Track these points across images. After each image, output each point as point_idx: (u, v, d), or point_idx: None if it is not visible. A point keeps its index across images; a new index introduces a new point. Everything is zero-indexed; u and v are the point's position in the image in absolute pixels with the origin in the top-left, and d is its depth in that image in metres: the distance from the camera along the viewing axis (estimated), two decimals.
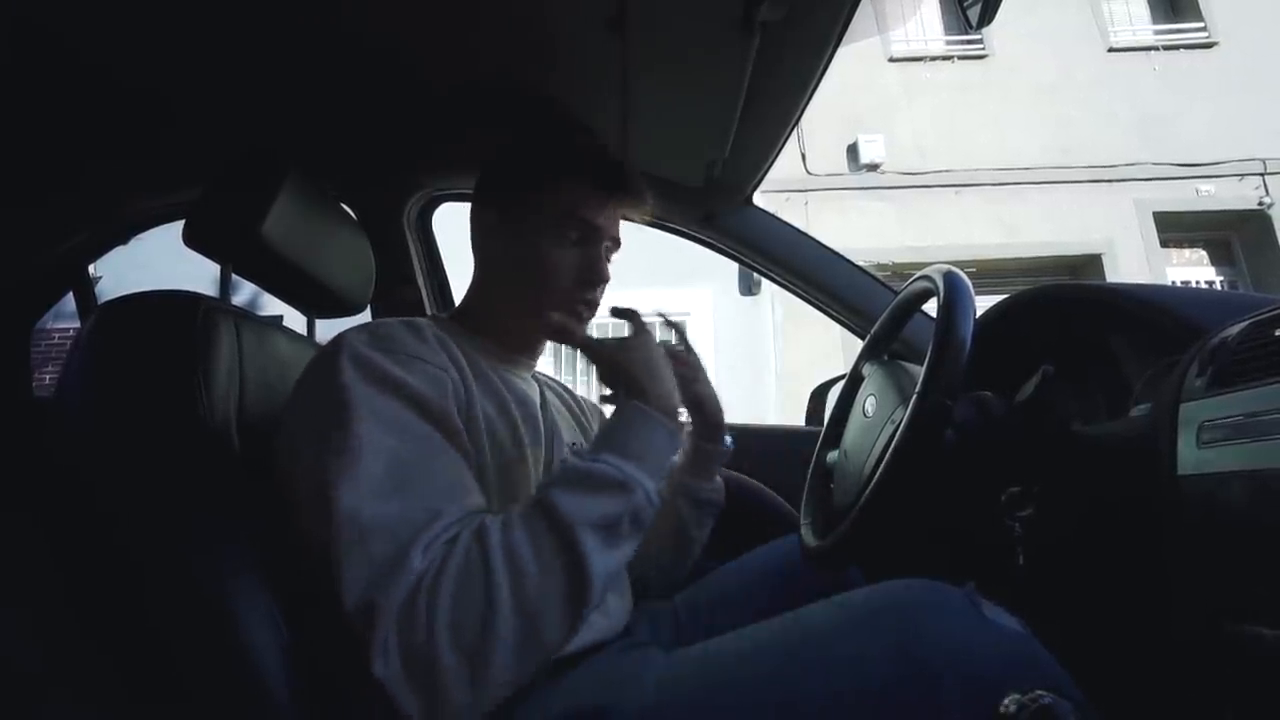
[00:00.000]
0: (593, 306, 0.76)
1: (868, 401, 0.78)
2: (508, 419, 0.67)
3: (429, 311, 1.34)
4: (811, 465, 0.88)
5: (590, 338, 0.70)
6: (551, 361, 4.89)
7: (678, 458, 0.85)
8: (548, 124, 0.97)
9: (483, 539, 0.50)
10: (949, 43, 5.85)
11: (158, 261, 2.07)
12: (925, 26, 5.82)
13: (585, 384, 5.16)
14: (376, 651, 0.46)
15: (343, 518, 0.49)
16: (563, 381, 0.95)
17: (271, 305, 0.98)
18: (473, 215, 0.80)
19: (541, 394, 0.80)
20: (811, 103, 0.95)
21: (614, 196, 0.76)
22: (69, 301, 1.39)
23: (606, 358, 0.67)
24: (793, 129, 1.03)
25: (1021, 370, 0.70)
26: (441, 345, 0.64)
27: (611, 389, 0.67)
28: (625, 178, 0.76)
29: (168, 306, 0.65)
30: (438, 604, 0.47)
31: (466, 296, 0.80)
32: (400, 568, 0.48)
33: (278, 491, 0.58)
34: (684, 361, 0.81)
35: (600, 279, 0.75)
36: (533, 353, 0.80)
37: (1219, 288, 5.35)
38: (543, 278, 0.73)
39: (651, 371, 0.65)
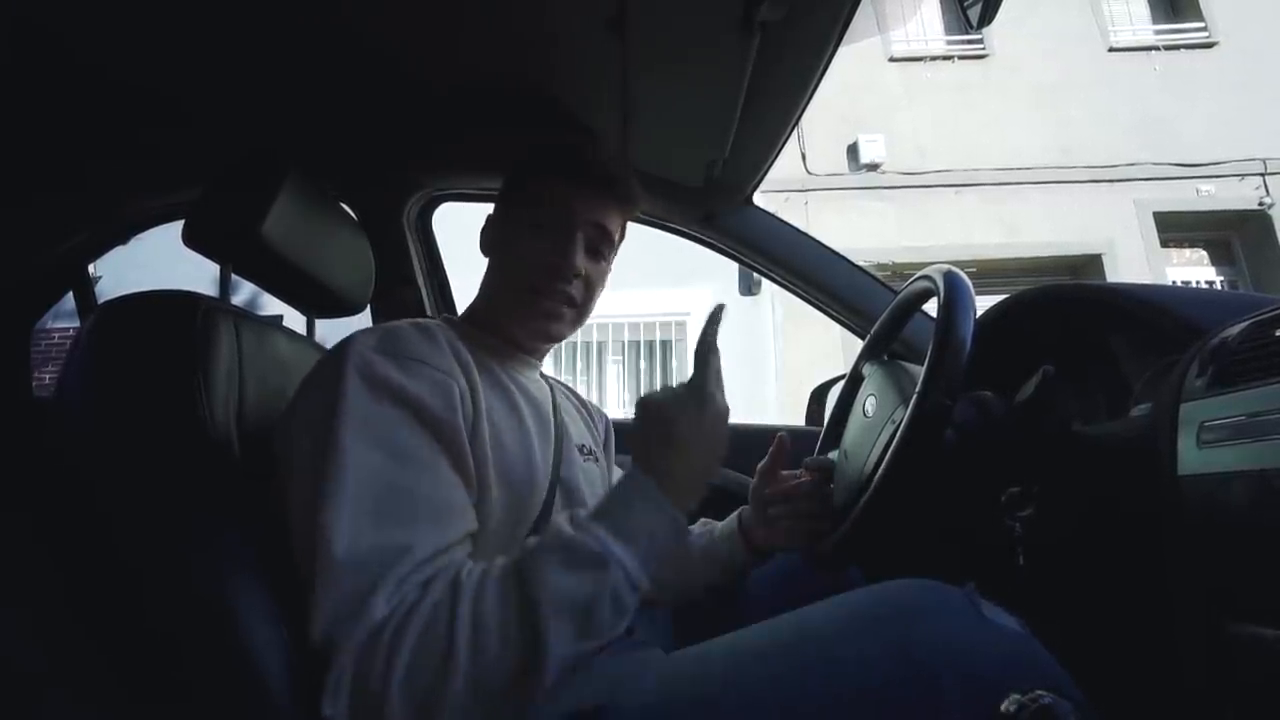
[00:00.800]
0: (569, 300, 0.74)
1: (868, 401, 0.78)
2: (517, 419, 0.67)
3: (429, 312, 1.34)
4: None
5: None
6: (551, 361, 4.90)
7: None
8: (533, 123, 0.98)
9: (453, 598, 0.49)
10: (949, 43, 5.85)
11: (158, 261, 2.07)
12: (925, 26, 5.82)
13: (585, 384, 5.16)
14: (328, 690, 0.46)
15: (320, 544, 0.49)
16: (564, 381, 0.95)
17: (271, 305, 0.98)
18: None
19: (552, 393, 0.80)
20: (811, 103, 0.95)
21: (593, 188, 0.74)
22: (69, 301, 1.39)
23: (653, 408, 0.61)
24: (793, 129, 1.03)
25: (1021, 370, 0.70)
26: (451, 348, 0.64)
27: (636, 443, 0.60)
28: (603, 168, 0.75)
29: (168, 306, 0.65)
30: (397, 656, 0.46)
31: (475, 299, 0.81)
32: (364, 608, 0.48)
33: (273, 495, 0.58)
34: None
35: (568, 268, 0.72)
36: (537, 351, 0.80)
37: (1219, 288, 5.35)
38: (516, 265, 0.74)
39: (691, 440, 0.59)
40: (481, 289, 0.79)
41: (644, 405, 0.62)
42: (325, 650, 0.48)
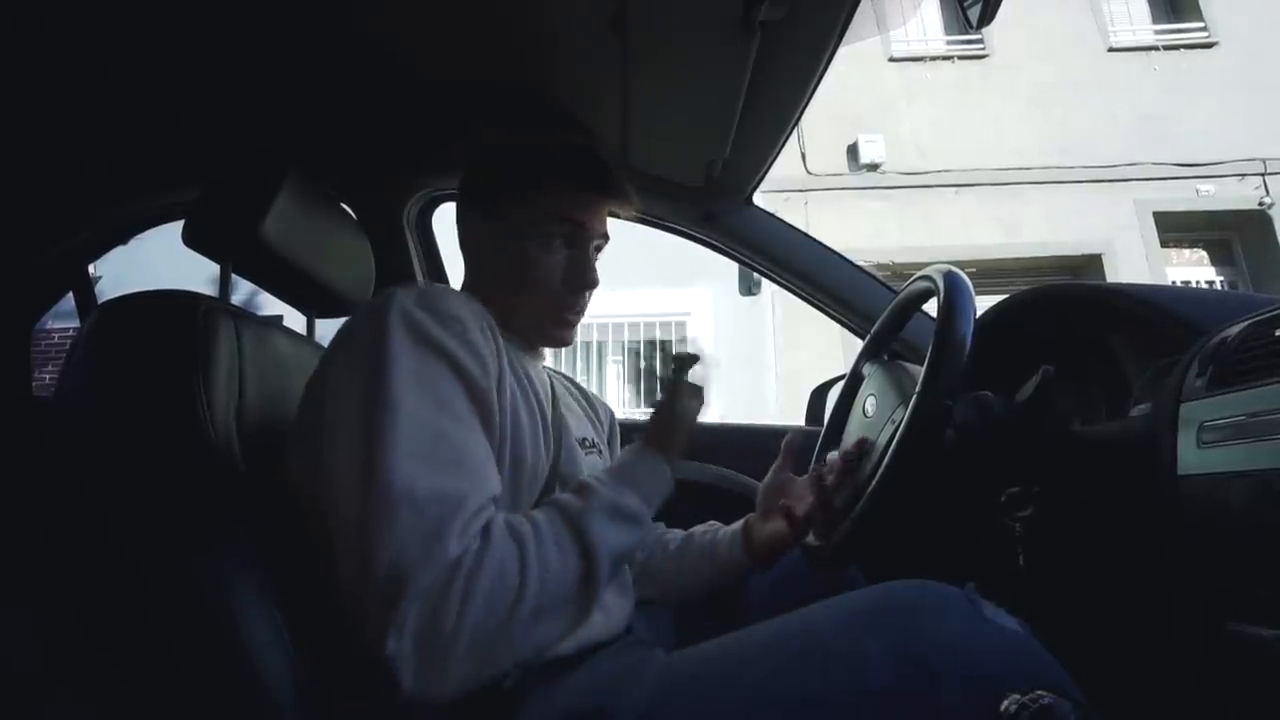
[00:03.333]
0: (582, 311, 0.76)
1: (868, 401, 0.78)
2: (529, 404, 0.67)
3: None
4: (811, 465, 0.88)
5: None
6: (551, 359, 4.89)
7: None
8: (533, 122, 0.97)
9: (520, 543, 0.53)
10: (949, 43, 5.85)
11: (158, 261, 2.07)
12: (925, 26, 5.82)
13: (584, 380, 5.16)
14: (392, 627, 0.47)
15: (378, 485, 0.50)
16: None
17: (271, 305, 0.98)
18: (459, 217, 0.78)
19: (551, 386, 0.80)
20: (811, 103, 0.95)
21: (600, 195, 0.75)
22: (69, 301, 1.39)
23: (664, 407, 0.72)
24: (793, 129, 1.03)
25: (1021, 370, 0.70)
26: (483, 317, 0.64)
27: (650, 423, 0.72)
28: (610, 175, 0.75)
29: (168, 306, 0.65)
30: (471, 599, 0.48)
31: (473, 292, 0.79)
32: (436, 548, 0.48)
33: (290, 465, 0.58)
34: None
35: (589, 283, 0.74)
36: (533, 349, 0.80)
37: (1219, 288, 5.35)
38: (531, 282, 0.72)
39: (680, 425, 0.70)
40: (470, 288, 0.77)
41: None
42: (392, 587, 0.47)
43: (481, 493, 0.53)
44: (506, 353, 0.67)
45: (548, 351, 0.83)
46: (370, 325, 0.57)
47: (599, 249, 0.77)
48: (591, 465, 0.78)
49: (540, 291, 0.73)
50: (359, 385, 0.55)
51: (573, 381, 0.92)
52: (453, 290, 0.64)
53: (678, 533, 0.89)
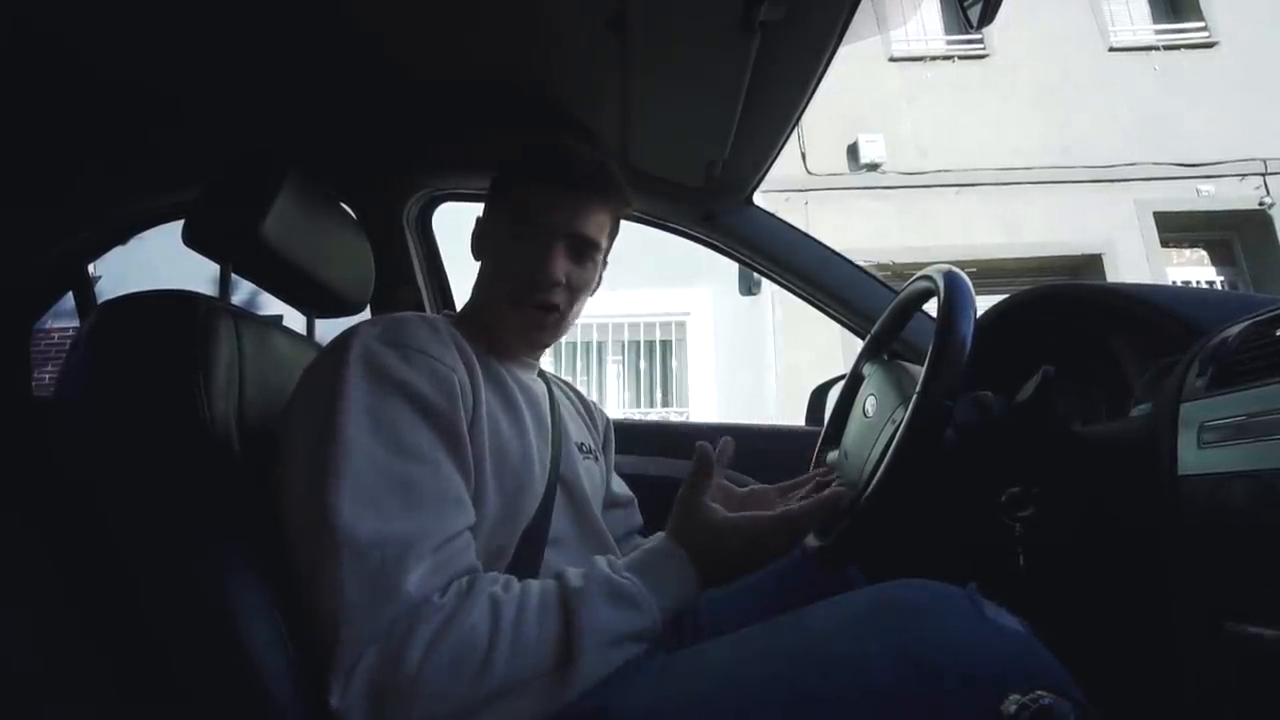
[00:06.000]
0: (551, 308, 0.72)
1: (868, 401, 0.78)
2: (515, 416, 0.67)
3: (429, 311, 1.34)
4: (811, 465, 0.88)
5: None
6: (551, 360, 4.89)
7: None
8: (533, 123, 0.97)
9: (496, 608, 0.51)
10: (949, 43, 5.85)
11: (158, 261, 2.07)
12: (925, 26, 5.82)
13: (585, 385, 5.16)
14: (340, 671, 0.47)
15: (326, 528, 0.50)
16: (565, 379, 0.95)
17: (271, 305, 0.98)
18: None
19: (550, 392, 0.80)
20: (811, 103, 0.95)
21: (567, 191, 0.71)
22: (69, 301, 1.39)
23: (696, 502, 0.62)
24: (793, 129, 1.03)
25: (1021, 370, 0.70)
26: (454, 341, 0.64)
27: (673, 522, 0.63)
28: (576, 172, 0.72)
29: (167, 306, 0.65)
30: (433, 656, 0.47)
31: (469, 298, 0.80)
32: (385, 593, 0.48)
33: (273, 489, 0.58)
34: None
35: (548, 279, 0.70)
36: (532, 350, 0.80)
37: (1219, 288, 5.35)
38: (496, 277, 0.74)
39: (706, 517, 0.61)
40: (475, 290, 0.79)
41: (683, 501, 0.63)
42: (329, 631, 0.48)
43: (442, 529, 0.53)
44: (491, 367, 0.67)
45: (547, 353, 0.83)
46: (331, 363, 0.58)
47: (583, 252, 0.73)
48: (589, 470, 0.78)
49: (503, 283, 0.73)
50: (313, 426, 0.55)
51: (570, 387, 0.93)
52: (419, 318, 0.64)
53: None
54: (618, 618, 0.54)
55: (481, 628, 0.49)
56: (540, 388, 0.78)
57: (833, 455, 0.84)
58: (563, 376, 0.97)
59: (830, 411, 0.92)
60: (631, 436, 1.22)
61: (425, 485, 0.54)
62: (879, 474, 0.63)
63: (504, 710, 0.49)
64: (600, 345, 5.29)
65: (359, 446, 0.53)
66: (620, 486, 0.93)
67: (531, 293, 0.71)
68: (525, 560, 0.65)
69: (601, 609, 0.53)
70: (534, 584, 0.55)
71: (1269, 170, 5.28)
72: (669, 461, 1.20)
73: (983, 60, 5.73)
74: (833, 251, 1.24)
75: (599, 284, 0.79)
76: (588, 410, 0.91)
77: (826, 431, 0.90)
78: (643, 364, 5.33)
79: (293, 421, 0.59)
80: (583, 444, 0.81)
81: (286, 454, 0.58)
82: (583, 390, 0.96)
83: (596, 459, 0.83)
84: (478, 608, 0.50)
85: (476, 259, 0.79)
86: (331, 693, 0.47)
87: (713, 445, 0.73)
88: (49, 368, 4.23)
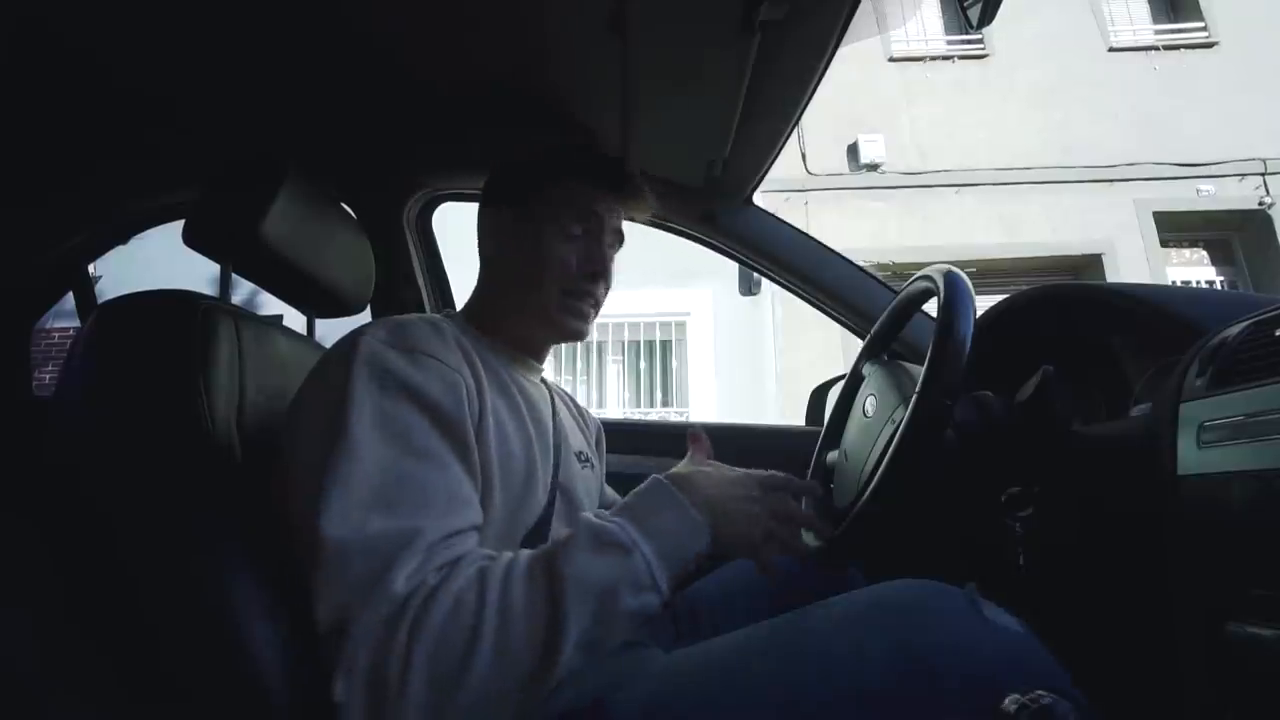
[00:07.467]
0: (596, 302, 0.77)
1: (868, 401, 0.78)
2: (519, 420, 0.67)
3: (429, 311, 1.34)
4: (811, 465, 0.88)
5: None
6: (551, 360, 4.89)
7: None
8: (533, 123, 0.98)
9: (482, 584, 0.49)
10: (949, 43, 5.85)
11: (158, 261, 2.07)
12: (925, 26, 5.82)
13: (585, 385, 5.16)
14: (340, 673, 0.46)
15: (327, 530, 0.49)
16: (562, 385, 0.95)
17: (271, 305, 0.98)
18: (480, 216, 0.80)
19: (551, 399, 0.80)
20: (811, 103, 0.95)
21: (615, 192, 0.77)
22: (69, 301, 1.39)
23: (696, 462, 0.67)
24: (793, 129, 1.03)
25: (1021, 370, 0.70)
26: (458, 344, 0.64)
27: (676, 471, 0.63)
28: (627, 179, 0.79)
29: (168, 306, 0.65)
30: (418, 641, 0.46)
31: (472, 299, 0.80)
32: (378, 591, 0.48)
33: (274, 490, 0.58)
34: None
35: (603, 270, 0.76)
36: (540, 355, 0.80)
37: (1219, 288, 5.35)
38: (548, 270, 0.73)
39: (715, 484, 0.60)
40: (486, 292, 0.79)
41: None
42: (336, 635, 0.48)
43: (442, 527, 0.52)
44: (496, 370, 0.67)
45: (548, 356, 0.83)
46: (337, 365, 0.58)
47: (613, 248, 0.79)
48: (586, 480, 0.78)
49: (556, 276, 0.73)
50: (319, 426, 0.55)
51: (567, 395, 0.93)
52: (423, 320, 0.64)
53: None
54: (599, 564, 0.50)
55: (468, 597, 0.48)
56: (542, 391, 0.78)
57: (832, 455, 0.84)
58: (562, 377, 0.97)
59: (830, 411, 0.92)
60: (627, 436, 1.22)
61: (433, 483, 0.54)
62: (879, 474, 0.63)
63: (504, 675, 0.47)
64: (600, 345, 5.29)
65: (367, 449, 0.53)
66: (612, 494, 0.93)
67: (590, 283, 0.75)
68: None
69: (579, 556, 0.51)
70: (525, 551, 0.54)
71: (1269, 170, 5.28)
72: (666, 461, 1.20)
73: (983, 60, 5.73)
74: (833, 251, 1.24)
75: None
76: (582, 417, 0.91)
77: (826, 431, 0.91)
78: (643, 364, 5.33)
79: (298, 423, 0.59)
80: (581, 453, 0.81)
81: (291, 454, 0.58)
82: (582, 391, 0.97)
83: (593, 468, 0.84)
84: (464, 577, 0.50)
85: (491, 256, 0.79)
86: (335, 688, 0.47)
87: (712, 445, 0.73)
88: (49, 368, 4.23)
